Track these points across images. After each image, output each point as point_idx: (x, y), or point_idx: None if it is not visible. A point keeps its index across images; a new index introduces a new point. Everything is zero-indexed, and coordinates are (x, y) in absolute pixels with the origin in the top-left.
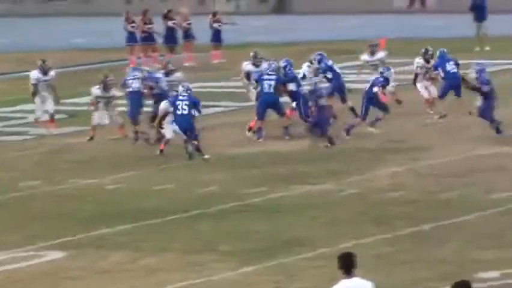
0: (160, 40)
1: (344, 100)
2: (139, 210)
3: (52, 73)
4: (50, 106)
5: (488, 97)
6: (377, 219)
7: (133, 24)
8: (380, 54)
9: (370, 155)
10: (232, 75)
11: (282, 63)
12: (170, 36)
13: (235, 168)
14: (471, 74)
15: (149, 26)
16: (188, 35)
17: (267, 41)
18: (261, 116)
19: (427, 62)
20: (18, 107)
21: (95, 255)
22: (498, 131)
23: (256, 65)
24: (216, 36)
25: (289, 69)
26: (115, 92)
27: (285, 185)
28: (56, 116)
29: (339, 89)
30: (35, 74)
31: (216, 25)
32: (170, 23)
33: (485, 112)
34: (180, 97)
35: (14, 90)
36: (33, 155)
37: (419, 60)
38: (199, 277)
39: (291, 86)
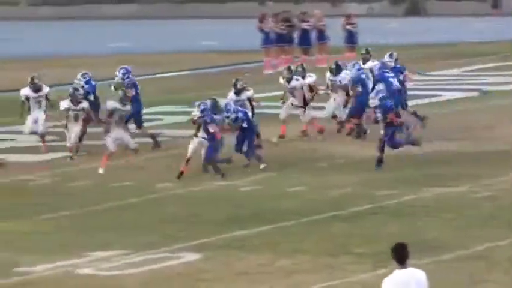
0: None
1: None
2: (273, 212)
3: (46, 89)
4: (41, 127)
5: None
6: (510, 222)
7: (268, 26)
8: None
9: (500, 157)
10: None
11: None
12: (304, 38)
13: (367, 170)
14: None
15: (283, 27)
16: (322, 36)
17: (399, 43)
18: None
19: None
20: (152, 109)
21: (230, 257)
22: None
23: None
24: (350, 38)
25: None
26: (248, 93)
27: (418, 188)
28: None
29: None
30: (25, 91)
31: (349, 27)
32: (304, 25)
33: None
34: None
35: (144, 92)
36: (167, 156)
37: None
38: (334, 279)
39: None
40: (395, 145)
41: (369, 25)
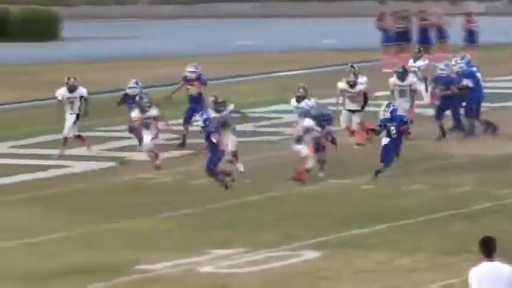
0: None
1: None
2: (392, 210)
3: (81, 91)
4: (66, 129)
5: None
6: None
7: (387, 24)
8: None
9: None
10: (492, 74)
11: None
12: (424, 37)
13: (486, 169)
14: None
15: (402, 25)
16: (442, 35)
17: None
18: None
19: None
20: (272, 107)
21: (349, 255)
22: None
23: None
24: (470, 37)
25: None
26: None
27: None
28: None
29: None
30: (61, 91)
31: (469, 26)
32: (424, 23)
33: None
34: None
35: (262, 90)
36: (289, 155)
37: None
38: (452, 277)
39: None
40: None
41: (489, 23)
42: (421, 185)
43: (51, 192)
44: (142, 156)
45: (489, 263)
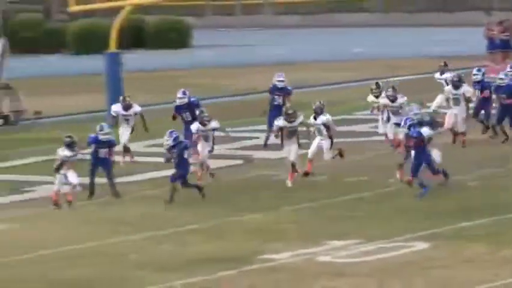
0: None
1: None
2: (496, 205)
3: (136, 109)
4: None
5: None
6: None
7: (493, 32)
8: None
9: None
10: None
11: None
12: None
13: None
14: None
15: (507, 34)
16: None
17: None
18: None
19: None
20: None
21: (457, 246)
22: None
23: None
24: None
25: None
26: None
27: None
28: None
29: None
30: (116, 108)
31: None
32: None
33: None
34: None
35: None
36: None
37: None
38: None
39: None
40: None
41: None
42: None
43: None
44: (265, 154)
45: None
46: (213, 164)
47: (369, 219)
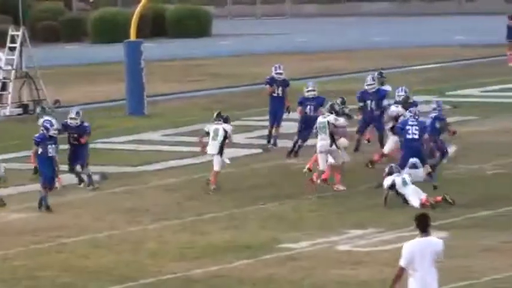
0: None
1: None
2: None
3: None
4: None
5: None
6: None
7: None
8: None
9: None
10: None
11: None
12: None
13: None
14: None
15: None
16: None
17: None
18: None
19: None
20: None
21: (475, 235)
22: None
23: None
24: None
25: None
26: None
27: None
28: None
29: None
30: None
31: None
32: None
33: None
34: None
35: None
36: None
37: None
38: None
39: None
40: None
41: None
42: None
43: (200, 177)
44: (283, 143)
45: (422, 238)
46: (232, 153)
47: (389, 208)
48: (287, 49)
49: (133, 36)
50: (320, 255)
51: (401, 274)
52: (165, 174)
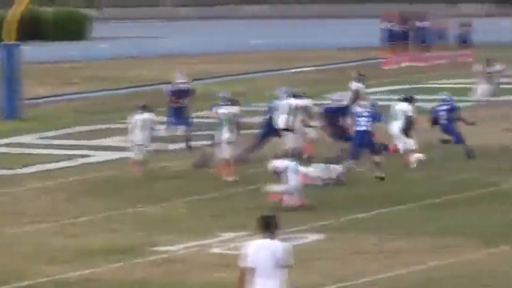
0: None
1: None
2: (393, 195)
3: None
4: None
5: None
6: None
7: (391, 25)
8: None
9: None
10: None
11: None
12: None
13: None
14: None
15: (405, 26)
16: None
17: None
18: None
19: None
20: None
21: (349, 237)
22: None
23: None
24: None
25: None
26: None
27: None
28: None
29: None
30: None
31: None
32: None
33: None
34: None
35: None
36: None
37: None
38: (440, 259)
39: None
40: None
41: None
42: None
43: (77, 180)
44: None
45: (263, 240)
46: (103, 156)
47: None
48: (166, 52)
49: (10, 39)
50: (192, 258)
51: (243, 276)
52: (41, 176)
